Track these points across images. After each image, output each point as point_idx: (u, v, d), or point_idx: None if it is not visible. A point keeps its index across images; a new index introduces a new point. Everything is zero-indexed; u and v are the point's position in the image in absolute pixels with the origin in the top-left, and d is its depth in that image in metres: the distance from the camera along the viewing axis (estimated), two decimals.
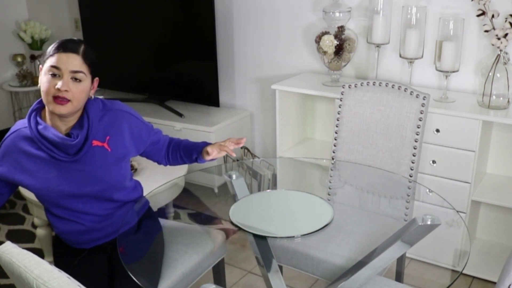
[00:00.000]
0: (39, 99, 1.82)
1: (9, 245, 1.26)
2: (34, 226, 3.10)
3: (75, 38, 1.82)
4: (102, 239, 1.95)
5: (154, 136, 2.05)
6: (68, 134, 1.81)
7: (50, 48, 1.76)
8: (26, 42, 4.45)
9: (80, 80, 1.74)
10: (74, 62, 1.73)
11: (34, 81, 4.50)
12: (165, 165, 2.15)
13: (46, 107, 1.79)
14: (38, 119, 1.80)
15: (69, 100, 1.73)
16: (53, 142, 1.77)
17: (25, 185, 1.83)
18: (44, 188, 1.81)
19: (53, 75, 1.72)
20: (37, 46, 4.48)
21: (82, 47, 1.77)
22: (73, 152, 1.80)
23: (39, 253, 2.82)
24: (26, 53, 4.60)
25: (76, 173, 1.82)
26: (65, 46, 1.74)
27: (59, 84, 1.71)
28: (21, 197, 3.08)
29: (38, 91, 4.57)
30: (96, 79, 1.85)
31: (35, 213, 2.73)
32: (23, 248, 1.26)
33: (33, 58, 4.48)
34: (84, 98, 1.79)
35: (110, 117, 1.89)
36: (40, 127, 1.78)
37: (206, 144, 2.05)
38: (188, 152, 2.08)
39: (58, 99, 1.72)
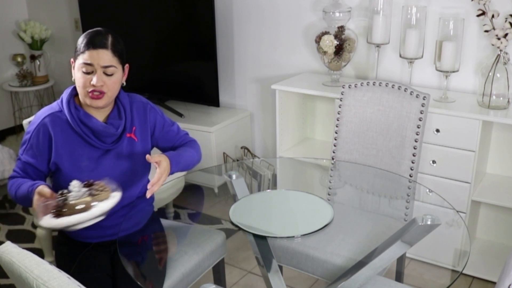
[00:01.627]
0: (73, 86, 1.86)
1: (9, 245, 1.26)
2: (34, 226, 3.10)
3: (102, 30, 1.82)
4: (108, 236, 1.95)
5: (166, 133, 2.02)
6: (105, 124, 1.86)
7: (80, 44, 1.79)
8: (26, 42, 4.44)
9: (112, 74, 1.79)
10: (105, 57, 1.77)
11: (34, 81, 4.51)
12: None
13: (82, 100, 1.82)
14: (77, 105, 1.85)
15: (104, 93, 1.78)
16: (93, 129, 1.82)
17: (60, 168, 1.85)
18: (73, 174, 1.82)
19: (86, 72, 1.77)
20: (37, 46, 4.48)
21: (110, 40, 1.79)
22: (110, 142, 1.86)
23: (39, 253, 2.82)
24: (26, 53, 4.60)
25: (106, 161, 1.86)
26: (94, 43, 1.77)
27: (94, 80, 1.76)
28: None
29: (38, 91, 4.64)
30: (127, 65, 1.89)
31: (35, 213, 2.73)
32: (23, 248, 1.26)
33: (33, 58, 4.48)
34: (118, 87, 1.85)
35: (136, 108, 1.94)
36: (80, 113, 1.83)
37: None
38: None
39: (94, 93, 1.77)
